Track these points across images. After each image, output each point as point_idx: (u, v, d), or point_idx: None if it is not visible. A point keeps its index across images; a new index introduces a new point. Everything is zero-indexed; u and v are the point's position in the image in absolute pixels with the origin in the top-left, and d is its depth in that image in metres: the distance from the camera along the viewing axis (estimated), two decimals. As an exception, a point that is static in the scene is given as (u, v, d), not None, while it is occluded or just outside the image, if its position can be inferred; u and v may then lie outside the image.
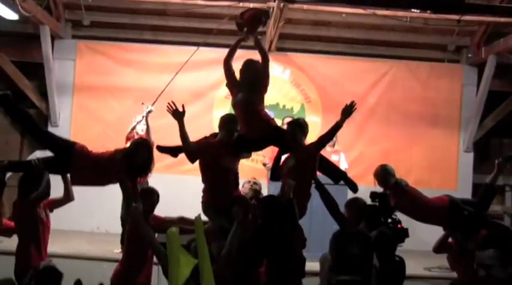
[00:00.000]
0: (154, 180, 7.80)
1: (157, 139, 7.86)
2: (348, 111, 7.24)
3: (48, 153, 7.55)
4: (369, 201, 6.97)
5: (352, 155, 11.85)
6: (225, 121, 7.45)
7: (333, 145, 10.27)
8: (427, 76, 12.71)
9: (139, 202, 6.91)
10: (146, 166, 7.34)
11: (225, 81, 8.04)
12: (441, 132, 12.57)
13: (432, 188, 10.31)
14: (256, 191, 8.37)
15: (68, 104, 12.31)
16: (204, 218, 6.56)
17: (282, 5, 10.24)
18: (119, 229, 9.00)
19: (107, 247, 9.69)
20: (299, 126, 7.51)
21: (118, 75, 12.39)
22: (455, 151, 12.58)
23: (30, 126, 7.54)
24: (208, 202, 7.32)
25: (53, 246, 7.74)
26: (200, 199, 7.38)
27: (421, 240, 9.63)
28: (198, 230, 5.20)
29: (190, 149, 7.25)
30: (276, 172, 7.73)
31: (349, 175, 7.97)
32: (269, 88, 7.87)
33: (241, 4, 9.78)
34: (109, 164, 7.22)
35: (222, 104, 11.97)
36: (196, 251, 5.31)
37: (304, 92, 12.53)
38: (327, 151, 9.07)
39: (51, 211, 7.29)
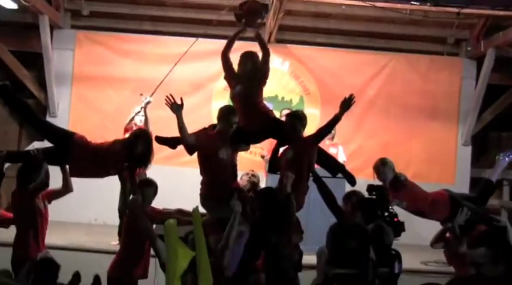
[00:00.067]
0: (152, 172, 7.79)
1: (155, 130, 7.85)
2: (347, 104, 7.22)
3: (46, 144, 7.54)
4: (367, 194, 6.97)
5: (351, 148, 11.86)
6: (224, 112, 7.42)
7: (332, 138, 10.26)
8: (427, 69, 12.72)
9: (138, 194, 6.91)
10: (146, 157, 7.33)
11: (223, 76, 8.04)
12: (440, 125, 12.57)
13: (430, 182, 10.34)
14: (254, 184, 8.36)
15: (67, 94, 12.31)
16: (201, 210, 6.57)
17: (281, -4, 10.25)
18: (116, 221, 9.01)
19: (105, 239, 9.68)
20: (298, 118, 7.49)
21: (117, 65, 12.38)
22: (453, 144, 12.58)
23: (29, 116, 7.53)
24: (207, 194, 7.31)
25: (51, 237, 7.71)
26: (198, 191, 7.37)
27: (418, 234, 9.67)
28: (195, 222, 5.20)
29: (188, 142, 7.23)
30: (274, 164, 7.73)
31: (348, 168, 7.97)
32: (268, 80, 7.85)
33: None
34: (108, 155, 7.21)
35: (221, 95, 11.94)
36: (194, 243, 5.31)
37: (303, 84, 12.52)
38: (325, 144, 9.06)
39: (50, 202, 7.28)
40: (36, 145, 10.49)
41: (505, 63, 12.40)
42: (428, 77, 12.65)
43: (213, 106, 12.03)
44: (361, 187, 7.14)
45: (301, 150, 7.34)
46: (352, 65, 12.62)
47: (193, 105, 11.05)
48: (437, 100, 12.61)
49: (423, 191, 7.98)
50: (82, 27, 12.57)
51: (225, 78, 8.02)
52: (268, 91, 8.54)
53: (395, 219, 6.69)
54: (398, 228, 6.53)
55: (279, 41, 12.50)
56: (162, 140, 7.60)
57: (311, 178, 7.30)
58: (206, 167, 7.34)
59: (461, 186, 11.65)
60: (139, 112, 9.77)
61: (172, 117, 7.06)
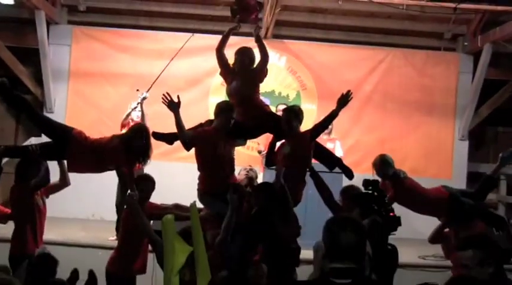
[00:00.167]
0: (149, 167, 7.80)
1: (152, 126, 7.85)
2: (344, 100, 7.23)
3: (43, 140, 7.54)
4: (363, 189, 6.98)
5: (348, 143, 11.86)
6: (221, 108, 7.43)
7: (329, 133, 10.25)
8: (423, 64, 12.71)
9: (135, 190, 6.91)
10: (144, 151, 7.33)
11: (219, 72, 8.06)
12: (437, 119, 12.57)
13: (427, 177, 10.38)
14: (250, 179, 8.37)
15: (64, 90, 12.27)
16: (199, 205, 6.58)
17: (278, -9, 10.24)
18: (114, 216, 9.01)
19: (102, 234, 9.67)
20: (294, 113, 7.50)
21: (113, 61, 12.36)
22: (450, 139, 12.58)
23: (27, 111, 7.55)
24: (204, 189, 7.34)
25: (48, 233, 7.73)
26: (195, 187, 7.39)
27: (416, 229, 9.68)
28: (193, 217, 5.20)
29: (186, 139, 7.25)
30: (270, 159, 7.75)
31: (345, 163, 7.97)
32: (264, 75, 7.90)
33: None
34: (106, 150, 7.22)
35: (218, 91, 11.90)
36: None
37: (300, 79, 12.51)
38: (322, 139, 9.05)
39: (47, 196, 7.31)
40: (33, 141, 10.50)
41: (501, 58, 12.42)
42: (425, 72, 12.65)
43: (210, 101, 12.02)
44: (358, 181, 7.15)
45: (298, 146, 7.36)
46: (349, 60, 12.61)
47: (190, 101, 11.05)
48: (434, 95, 12.60)
49: (422, 188, 7.98)
50: (79, 23, 12.54)
51: (221, 74, 8.06)
52: (264, 86, 8.54)
53: (392, 214, 6.68)
54: (395, 223, 6.52)
55: (276, 36, 12.48)
56: (159, 136, 7.62)
57: (308, 174, 7.34)
58: (203, 162, 7.36)
59: (458, 181, 11.69)
60: (135, 107, 9.76)
61: (169, 112, 7.09)
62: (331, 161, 7.92)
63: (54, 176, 7.33)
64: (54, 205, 7.66)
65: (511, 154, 8.10)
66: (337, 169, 7.84)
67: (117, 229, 8.50)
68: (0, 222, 7.42)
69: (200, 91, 12.27)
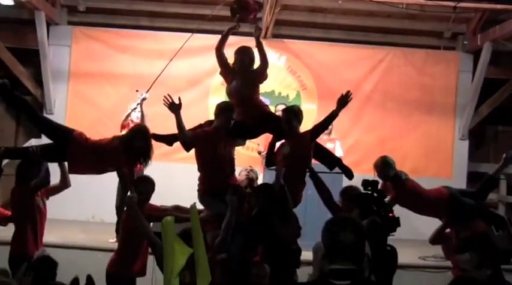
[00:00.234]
0: (149, 168, 7.79)
1: (152, 127, 7.84)
2: (344, 101, 7.24)
3: (43, 141, 7.54)
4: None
5: (348, 143, 11.86)
6: (221, 108, 7.44)
7: (329, 133, 10.24)
8: (423, 63, 12.71)
9: (134, 192, 6.91)
10: (145, 152, 7.32)
11: (219, 71, 8.07)
12: (437, 119, 12.57)
13: (427, 177, 10.40)
14: (251, 180, 8.36)
15: (63, 91, 12.27)
16: (199, 206, 6.58)
17: (278, -10, 10.25)
18: (113, 218, 9.00)
19: (102, 236, 9.68)
20: (294, 113, 7.50)
21: (113, 61, 12.35)
22: (450, 138, 12.58)
23: (28, 113, 7.52)
24: (204, 189, 7.34)
25: (48, 235, 7.74)
26: (195, 187, 7.40)
27: (416, 229, 9.70)
28: (193, 219, 5.19)
29: (187, 139, 7.25)
30: (270, 159, 7.75)
31: (345, 163, 7.96)
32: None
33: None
34: (107, 151, 7.21)
35: (218, 91, 11.89)
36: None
37: (299, 79, 12.51)
38: (322, 139, 9.05)
39: (48, 198, 7.32)
40: (33, 142, 10.52)
41: (501, 56, 12.42)
42: (425, 71, 12.64)
43: (209, 101, 12.02)
44: (358, 182, 7.14)
45: (297, 146, 7.36)
46: (348, 60, 12.60)
47: (190, 101, 11.05)
48: (434, 94, 12.60)
49: (423, 190, 7.98)
50: (78, 23, 12.54)
51: (221, 73, 8.07)
52: (264, 86, 8.54)
53: (391, 214, 6.68)
54: (394, 223, 6.51)
55: (276, 36, 12.48)
56: (158, 137, 7.62)
57: (308, 174, 7.34)
58: (204, 163, 7.37)
59: (459, 180, 11.69)
60: (135, 108, 9.75)
61: (169, 113, 7.08)
62: (331, 161, 7.92)
63: (55, 178, 7.34)
64: (54, 207, 7.66)
65: None
66: (337, 170, 7.84)
67: (117, 231, 8.50)
68: (1, 224, 7.42)
69: (200, 91, 12.27)
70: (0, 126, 12.54)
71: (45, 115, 11.44)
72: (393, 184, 7.79)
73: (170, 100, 7.04)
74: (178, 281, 5.03)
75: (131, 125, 9.35)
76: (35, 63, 12.15)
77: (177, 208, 6.97)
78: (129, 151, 7.20)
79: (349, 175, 7.75)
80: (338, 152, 9.89)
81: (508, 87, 12.66)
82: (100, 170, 7.43)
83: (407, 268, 8.91)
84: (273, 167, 7.61)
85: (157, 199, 7.18)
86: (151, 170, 7.56)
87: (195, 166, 7.43)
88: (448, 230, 7.58)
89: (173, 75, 11.11)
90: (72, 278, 5.79)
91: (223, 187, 6.87)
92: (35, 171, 7.00)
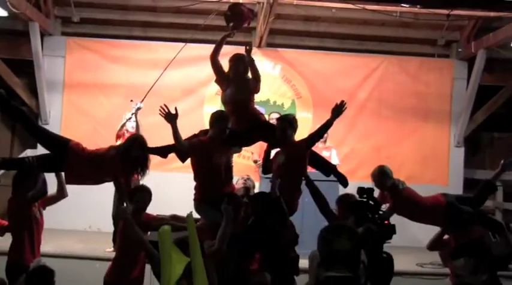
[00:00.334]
0: (145, 178, 7.77)
1: (147, 136, 7.82)
2: (338, 110, 7.22)
3: (39, 152, 7.53)
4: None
5: (344, 151, 11.86)
6: (216, 118, 7.45)
7: (325, 141, 10.24)
8: (418, 70, 12.75)
9: (127, 203, 6.90)
10: (141, 161, 7.32)
11: (214, 79, 8.08)
12: (432, 126, 12.59)
13: (424, 184, 10.39)
14: (247, 189, 8.35)
15: (58, 101, 12.26)
16: (196, 216, 6.58)
17: (271, 0, 10.24)
18: (110, 228, 8.97)
19: (99, 246, 9.65)
20: (288, 122, 7.50)
21: (108, 71, 12.35)
22: (446, 145, 12.60)
23: (25, 122, 7.50)
24: (200, 199, 7.33)
25: (45, 245, 7.73)
26: (190, 196, 7.39)
27: (413, 236, 9.71)
28: (190, 228, 5.18)
29: (183, 150, 7.26)
30: (266, 166, 7.75)
31: (341, 171, 7.96)
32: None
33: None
34: (104, 161, 7.21)
35: (213, 100, 11.93)
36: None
37: (294, 88, 12.51)
38: (318, 148, 9.09)
39: (44, 208, 7.31)
40: (29, 152, 10.51)
41: (495, 63, 12.45)
42: (419, 79, 12.67)
43: (204, 110, 12.02)
44: (354, 189, 7.14)
45: (293, 155, 7.36)
46: (343, 68, 12.62)
47: (185, 110, 10.96)
48: (429, 101, 12.62)
49: (420, 198, 7.98)
50: (72, 34, 12.54)
51: (216, 81, 8.09)
52: (259, 95, 8.55)
53: (386, 222, 6.68)
54: (389, 231, 6.50)
55: (270, 45, 12.49)
56: (152, 150, 7.60)
57: (304, 182, 7.34)
58: (199, 172, 7.37)
59: (455, 187, 11.68)
60: (130, 118, 9.74)
61: (164, 122, 7.08)
62: (327, 168, 7.92)
63: (51, 188, 7.33)
64: (51, 216, 7.64)
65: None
66: (333, 177, 7.84)
67: (114, 240, 8.48)
68: (-3, 234, 7.42)
69: (195, 100, 12.26)
70: (-5, 136, 12.55)
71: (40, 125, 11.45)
72: (390, 194, 7.80)
73: (166, 110, 7.03)
74: (176, 289, 5.02)
75: (126, 135, 9.36)
76: (29, 74, 12.14)
77: (174, 217, 6.94)
78: (126, 161, 7.19)
79: (344, 182, 7.76)
80: (334, 161, 9.89)
81: (503, 93, 12.69)
82: (97, 180, 7.42)
83: (404, 275, 8.92)
84: (270, 175, 7.61)
85: (154, 208, 7.16)
86: (147, 179, 7.54)
87: (191, 175, 7.43)
88: (446, 236, 7.58)
89: (167, 84, 11.13)
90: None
91: (219, 196, 6.84)
92: (31, 182, 7.00)
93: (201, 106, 12.25)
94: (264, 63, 12.19)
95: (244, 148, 8.87)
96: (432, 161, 12.47)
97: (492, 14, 10.91)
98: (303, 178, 7.35)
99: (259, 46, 12.16)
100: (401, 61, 12.75)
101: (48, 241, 8.23)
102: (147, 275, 6.91)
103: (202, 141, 7.40)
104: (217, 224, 6.48)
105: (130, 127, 9.75)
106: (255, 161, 10.35)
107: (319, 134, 7.55)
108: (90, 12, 12.30)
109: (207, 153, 7.26)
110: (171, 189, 10.62)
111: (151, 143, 7.55)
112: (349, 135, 12.36)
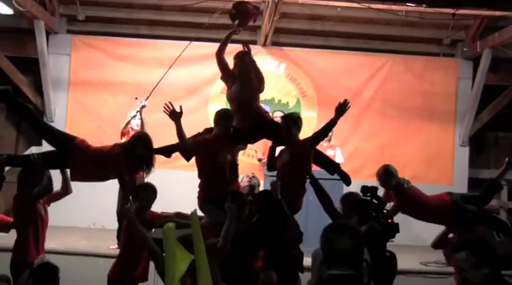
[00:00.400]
0: (150, 175, 7.78)
1: (152, 134, 7.82)
2: (341, 109, 7.21)
3: (44, 149, 7.54)
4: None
5: (348, 150, 11.85)
6: (220, 116, 7.45)
7: (329, 140, 10.25)
8: (423, 70, 12.72)
9: (132, 202, 6.91)
10: (147, 159, 7.32)
11: (220, 76, 8.09)
12: (437, 126, 12.57)
13: (428, 183, 10.36)
14: (252, 187, 8.37)
15: (63, 99, 12.27)
16: (200, 213, 6.58)
17: (277, -2, 10.27)
18: (115, 225, 8.97)
19: (103, 243, 9.66)
20: (293, 121, 7.50)
21: (113, 70, 12.35)
22: (451, 145, 12.58)
23: (30, 119, 7.49)
24: (204, 197, 7.33)
25: (50, 242, 7.73)
26: (194, 194, 7.39)
27: (418, 235, 9.70)
28: (194, 225, 5.19)
29: (187, 148, 7.27)
30: (271, 164, 7.76)
31: (345, 169, 7.96)
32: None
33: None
34: (109, 158, 7.21)
35: (218, 98, 11.93)
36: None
37: (299, 86, 12.51)
38: (323, 146, 9.08)
39: (49, 204, 7.34)
40: (34, 150, 10.53)
41: (501, 63, 12.44)
42: (424, 78, 12.64)
43: (209, 109, 12.01)
44: (358, 188, 7.15)
45: (297, 153, 7.37)
46: (348, 67, 12.61)
47: (190, 109, 10.96)
48: (434, 101, 12.60)
49: (425, 197, 7.99)
50: (78, 32, 12.55)
51: (222, 78, 8.09)
52: (264, 94, 8.54)
53: (390, 220, 6.68)
54: (393, 229, 6.50)
55: (275, 44, 12.48)
56: (156, 150, 7.59)
57: (308, 181, 7.34)
58: (204, 170, 7.38)
59: (459, 187, 11.63)
60: (135, 116, 9.74)
61: (169, 120, 7.09)
62: (331, 166, 7.92)
63: (56, 184, 7.34)
64: (56, 213, 7.65)
65: None
66: (337, 176, 7.84)
67: (118, 238, 8.50)
68: (3, 231, 7.42)
69: (200, 99, 12.26)
70: (1, 134, 12.57)
71: (45, 123, 11.47)
72: (395, 193, 7.81)
73: (171, 108, 7.04)
74: (180, 286, 5.03)
75: (131, 133, 9.35)
76: (34, 72, 12.16)
77: (178, 215, 6.95)
78: (131, 158, 7.20)
79: (347, 181, 7.75)
80: (339, 159, 9.90)
81: (508, 93, 12.68)
82: (102, 177, 7.44)
83: (408, 274, 8.92)
84: (274, 173, 7.63)
85: (158, 206, 7.17)
86: (152, 177, 7.56)
87: (196, 173, 7.45)
88: (450, 235, 7.58)
89: (172, 83, 11.13)
90: None
91: (223, 194, 6.85)
92: (36, 179, 7.01)
93: (206, 104, 12.25)
94: (269, 61, 12.20)
95: (248, 146, 8.88)
96: (437, 161, 12.45)
97: (498, 13, 10.89)
98: (308, 176, 7.35)
99: (264, 44, 12.17)
100: (406, 60, 12.74)
101: (53, 238, 8.24)
102: (151, 273, 6.93)
103: (206, 139, 7.41)
104: (221, 223, 6.49)
105: (135, 125, 9.73)
106: (260, 160, 10.36)
107: (323, 133, 7.54)
108: (95, 11, 12.31)
109: (211, 151, 7.27)
110: (176, 187, 10.62)
111: (156, 141, 7.53)
112: (354, 134, 12.35)
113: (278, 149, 7.78)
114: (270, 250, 6.56)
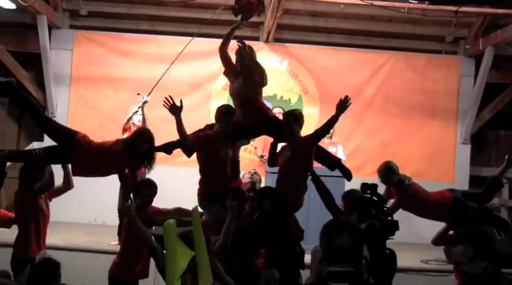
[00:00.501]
0: (151, 171, 7.79)
1: (153, 130, 7.83)
2: (342, 105, 7.20)
3: (45, 145, 7.54)
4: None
5: (350, 147, 11.85)
6: (222, 112, 7.45)
7: (331, 137, 10.24)
8: (425, 67, 12.71)
9: (132, 199, 6.91)
10: (148, 155, 7.32)
11: (223, 71, 8.09)
12: (439, 123, 12.57)
13: (430, 181, 10.36)
14: (254, 183, 8.36)
15: (65, 94, 12.26)
16: (201, 210, 6.58)
17: (280, -5, 10.26)
18: (115, 221, 8.97)
19: (104, 239, 9.68)
20: (294, 118, 7.49)
21: (115, 65, 12.35)
22: (452, 142, 12.58)
23: (32, 113, 7.47)
24: (204, 194, 7.32)
25: (50, 238, 7.75)
26: (195, 191, 7.39)
27: (418, 233, 9.70)
28: (195, 222, 5.18)
29: (188, 144, 7.25)
30: (273, 160, 7.75)
31: (347, 166, 7.95)
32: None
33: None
34: (110, 154, 7.22)
35: (220, 95, 11.95)
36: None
37: (301, 83, 12.50)
38: (324, 143, 9.08)
39: (51, 199, 7.35)
40: (35, 145, 10.53)
41: (503, 61, 12.43)
42: (426, 75, 12.63)
43: (211, 105, 12.00)
44: (360, 185, 7.15)
45: (298, 150, 7.36)
46: (350, 64, 12.60)
47: (192, 105, 11.05)
48: (436, 98, 12.59)
49: (427, 193, 7.99)
50: (80, 27, 12.54)
51: (225, 73, 8.09)
52: (266, 90, 8.55)
53: (389, 218, 6.67)
54: (393, 227, 6.50)
55: (277, 40, 12.47)
56: (157, 148, 7.59)
57: (310, 178, 7.34)
58: (205, 167, 7.37)
59: (461, 184, 11.63)
60: (136, 111, 9.74)
61: (171, 116, 7.07)
62: (332, 162, 7.92)
63: (58, 179, 7.35)
64: (57, 209, 7.66)
65: None
66: (339, 173, 7.84)
67: (119, 234, 8.49)
68: (4, 226, 7.44)
69: (202, 95, 12.26)
70: (2, 129, 12.58)
71: (47, 117, 11.47)
72: (396, 189, 7.81)
73: (171, 102, 7.02)
74: (180, 284, 5.02)
75: (133, 128, 9.36)
76: (36, 67, 12.15)
77: (179, 210, 6.96)
78: (132, 154, 7.20)
79: (348, 176, 7.76)
80: (340, 156, 9.83)
81: (510, 91, 12.67)
82: (103, 172, 7.44)
83: (409, 271, 8.91)
84: (276, 169, 7.64)
85: (159, 202, 7.17)
86: (153, 173, 7.56)
87: (197, 170, 7.44)
88: (451, 232, 7.57)
89: (174, 79, 11.13)
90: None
91: (224, 191, 6.84)
92: (38, 174, 7.03)
93: (208, 100, 12.25)
94: (271, 58, 12.20)
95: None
96: (438, 158, 12.46)
97: (500, 11, 10.88)
98: (309, 173, 7.35)
99: (266, 41, 12.17)
100: (408, 57, 12.73)
101: (54, 234, 8.25)
102: (152, 270, 6.93)
103: (208, 135, 7.41)
104: (221, 220, 6.49)
105: (137, 120, 9.74)
106: (262, 156, 10.35)
107: (325, 130, 7.53)
108: (97, 6, 12.30)
109: (213, 147, 7.26)
110: (176, 183, 10.62)
111: (158, 136, 7.55)
112: (356, 131, 12.36)
113: (279, 146, 7.77)
114: (271, 247, 6.56)
